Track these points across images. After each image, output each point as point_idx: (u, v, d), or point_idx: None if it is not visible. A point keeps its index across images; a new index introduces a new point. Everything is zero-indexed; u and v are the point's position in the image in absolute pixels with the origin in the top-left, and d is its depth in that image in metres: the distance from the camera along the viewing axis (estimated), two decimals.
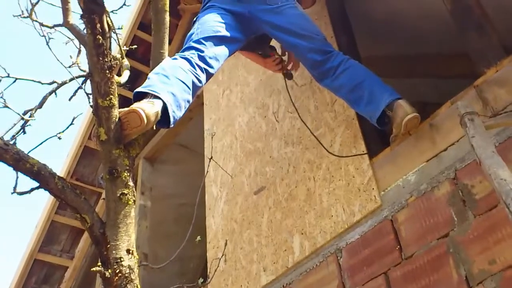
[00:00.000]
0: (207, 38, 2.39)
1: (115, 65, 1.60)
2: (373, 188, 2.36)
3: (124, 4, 2.17)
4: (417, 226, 2.10)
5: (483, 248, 1.81)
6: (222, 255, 2.99)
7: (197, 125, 4.52)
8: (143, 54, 4.87)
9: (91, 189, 5.49)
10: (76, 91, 2.17)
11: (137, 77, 4.58)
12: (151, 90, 1.93)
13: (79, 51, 2.18)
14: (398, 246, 2.13)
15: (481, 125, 1.77)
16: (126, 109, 1.72)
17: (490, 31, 2.30)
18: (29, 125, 2.26)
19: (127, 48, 2.50)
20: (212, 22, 2.49)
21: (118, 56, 1.99)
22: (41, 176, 1.54)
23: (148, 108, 1.80)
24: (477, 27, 2.33)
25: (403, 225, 2.16)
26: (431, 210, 2.07)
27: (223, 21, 2.51)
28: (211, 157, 3.08)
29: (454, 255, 1.90)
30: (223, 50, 2.43)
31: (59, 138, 2.10)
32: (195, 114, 4.68)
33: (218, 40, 2.42)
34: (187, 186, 5.23)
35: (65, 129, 2.07)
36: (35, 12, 2.22)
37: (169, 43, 5.15)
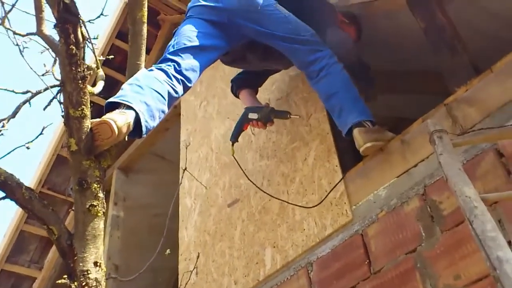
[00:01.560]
0: (183, 50, 2.37)
1: (88, 75, 1.59)
2: (345, 203, 2.38)
3: (102, 14, 2.17)
4: (387, 241, 2.12)
5: (449, 263, 1.84)
6: (194, 267, 2.98)
7: (173, 135, 4.51)
8: (120, 63, 4.85)
9: (63, 199, 5.42)
10: (50, 101, 2.16)
11: (114, 86, 4.54)
12: (123, 100, 1.92)
13: (55, 61, 2.17)
14: (368, 261, 2.15)
15: (449, 142, 1.80)
16: (97, 120, 1.71)
17: (461, 50, 2.35)
18: (2, 134, 2.24)
19: (103, 58, 2.48)
20: (189, 33, 2.47)
21: (93, 66, 1.98)
22: (8, 186, 1.52)
23: (120, 119, 1.79)
24: (449, 47, 2.39)
25: (373, 240, 2.18)
26: (400, 225, 2.10)
27: (200, 30, 2.49)
28: (185, 168, 3.07)
29: (421, 270, 1.93)
30: (200, 60, 2.41)
31: (28, 148, 2.08)
32: (171, 124, 4.67)
33: (195, 50, 2.41)
34: (162, 196, 5.19)
35: (34, 139, 2.05)
36: (8, 20, 2.20)
37: (148, 53, 5.19)
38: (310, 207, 2.48)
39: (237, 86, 3.05)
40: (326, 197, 2.42)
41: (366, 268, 2.14)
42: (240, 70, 3.12)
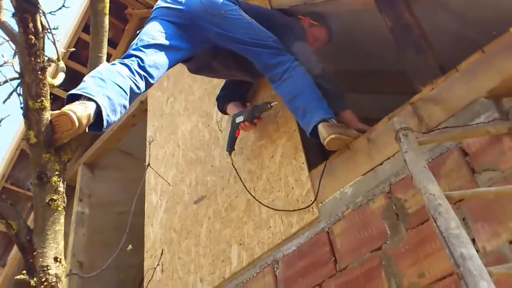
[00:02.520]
0: (147, 46, 2.35)
1: (48, 66, 1.54)
2: (311, 200, 2.38)
3: (63, 6, 2.11)
4: (352, 239, 2.12)
5: (414, 261, 1.85)
6: (157, 264, 2.94)
7: (140, 131, 4.44)
8: (86, 57, 4.74)
9: (27, 194, 5.29)
10: (10, 94, 2.09)
11: (79, 80, 4.44)
12: (85, 92, 1.87)
13: (15, 53, 2.10)
14: (333, 258, 2.14)
15: (415, 140, 1.81)
16: (57, 111, 1.66)
17: (427, 50, 2.36)
18: None
19: (65, 50, 2.42)
20: (153, 32, 2.46)
21: (54, 58, 1.92)
22: None
23: (80, 111, 1.74)
24: (415, 46, 2.40)
25: (338, 237, 2.18)
26: (366, 223, 2.10)
27: (164, 31, 2.49)
28: (148, 164, 3.03)
29: (386, 268, 1.93)
30: (163, 59, 2.39)
31: None
32: (138, 120, 4.61)
33: (158, 48, 2.39)
34: (128, 193, 5.08)
35: None
36: None
37: (115, 47, 5.11)
38: (293, 211, 2.42)
39: (222, 103, 3.05)
40: (313, 202, 2.36)
41: (332, 265, 2.13)
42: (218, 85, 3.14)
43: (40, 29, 1.51)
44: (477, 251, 1.61)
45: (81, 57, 4.75)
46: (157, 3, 2.68)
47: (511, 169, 1.72)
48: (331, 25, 3.09)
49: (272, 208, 2.50)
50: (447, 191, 1.68)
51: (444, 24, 2.97)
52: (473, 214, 1.75)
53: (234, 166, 2.76)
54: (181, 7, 2.60)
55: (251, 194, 2.64)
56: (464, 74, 2.04)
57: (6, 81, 2.09)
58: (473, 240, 1.69)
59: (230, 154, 2.80)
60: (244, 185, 2.68)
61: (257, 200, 2.58)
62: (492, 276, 1.24)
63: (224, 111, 3.07)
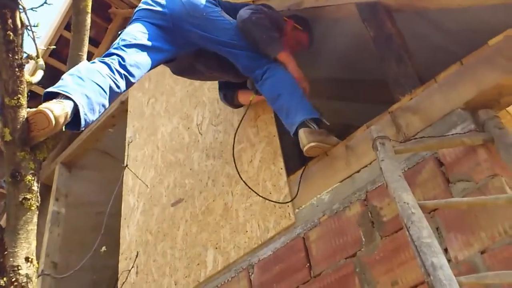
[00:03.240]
0: (129, 46, 2.34)
1: (26, 63, 1.53)
2: (288, 205, 2.38)
3: (46, 2, 2.08)
4: (328, 245, 2.13)
5: (387, 269, 1.86)
6: (132, 267, 2.92)
7: (120, 132, 4.41)
8: (68, 55, 4.70)
9: (1, 192, 5.21)
10: None
11: (60, 78, 4.40)
12: (63, 91, 1.85)
13: None
14: (308, 264, 2.15)
15: (391, 149, 1.83)
16: (33, 109, 1.64)
17: (407, 60, 2.39)
18: None
19: (45, 48, 2.39)
20: (135, 32, 2.45)
21: (34, 55, 1.90)
22: None
23: (57, 109, 1.73)
24: (396, 56, 2.42)
25: (314, 243, 2.19)
26: (342, 230, 2.11)
27: (147, 31, 2.48)
28: (126, 165, 3.01)
29: (360, 275, 1.94)
30: (145, 59, 2.38)
31: None
32: (118, 120, 4.57)
33: (140, 48, 2.38)
34: (106, 194, 5.04)
35: None
36: None
37: (97, 46, 5.07)
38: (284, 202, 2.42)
39: (231, 97, 2.97)
40: (290, 201, 2.37)
41: (307, 271, 2.14)
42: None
43: (19, 25, 1.50)
44: (449, 260, 1.64)
45: (62, 55, 4.70)
46: (139, 5, 2.68)
47: (485, 180, 1.74)
48: (313, 31, 3.10)
49: (266, 199, 2.46)
50: (422, 200, 1.71)
51: (425, 34, 3.00)
52: (447, 223, 1.76)
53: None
54: (163, 10, 2.60)
55: (245, 182, 2.59)
56: (443, 85, 2.07)
57: None
58: (446, 250, 1.71)
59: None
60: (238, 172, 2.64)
61: (248, 187, 2.56)
62: (462, 286, 1.26)
63: (237, 104, 2.99)
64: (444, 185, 1.85)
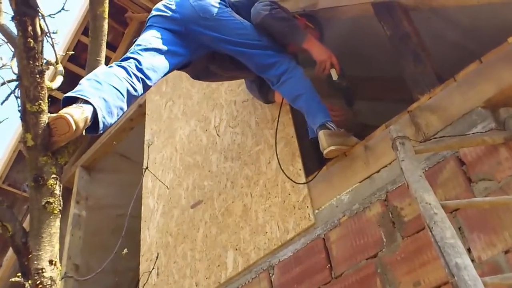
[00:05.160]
0: (145, 50, 2.36)
1: (46, 70, 1.54)
2: (307, 206, 2.38)
3: (63, 9, 2.11)
4: (348, 246, 2.12)
5: (409, 269, 1.85)
6: (153, 268, 2.93)
7: (138, 135, 4.45)
8: (86, 60, 4.75)
9: (24, 196, 5.28)
10: (8, 96, 2.08)
11: (78, 83, 4.45)
12: (81, 95, 1.87)
13: (14, 55, 2.10)
14: (329, 265, 2.14)
15: (411, 149, 1.82)
16: (54, 115, 1.66)
17: (425, 59, 2.37)
18: None
19: (63, 54, 2.42)
20: (150, 38, 2.47)
21: (53, 60, 1.93)
22: None
23: (77, 114, 1.74)
24: (413, 55, 2.40)
25: (334, 244, 2.18)
26: (362, 230, 2.10)
27: (160, 36, 2.50)
28: (147, 167, 3.03)
29: (381, 276, 1.93)
30: (161, 62, 2.40)
31: None
32: (136, 123, 4.61)
33: (156, 52, 2.40)
34: (125, 197, 5.07)
35: None
36: None
37: (114, 50, 5.11)
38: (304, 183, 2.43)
39: (267, 91, 2.92)
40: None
41: (327, 272, 2.13)
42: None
43: (39, 32, 1.52)
44: (473, 260, 1.62)
45: (80, 59, 4.74)
46: (151, 12, 2.71)
47: (507, 179, 1.72)
48: (323, 33, 3.08)
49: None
50: (443, 200, 1.69)
51: (442, 33, 2.97)
52: (469, 223, 1.75)
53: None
54: (174, 14, 2.62)
55: (286, 175, 2.54)
56: (462, 83, 2.05)
57: (3, 83, 2.09)
58: (469, 250, 1.69)
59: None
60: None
61: (288, 176, 2.51)
62: (487, 287, 1.25)
63: (270, 100, 2.95)
64: (465, 185, 1.83)
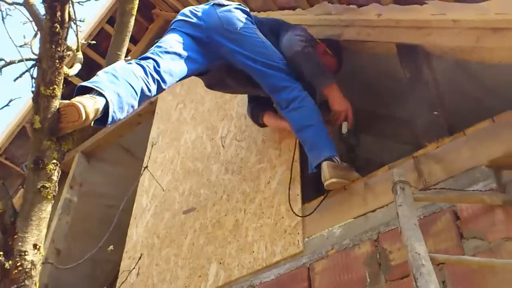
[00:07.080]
0: (165, 52, 2.38)
1: (66, 56, 1.56)
2: (298, 233, 2.38)
3: None
4: (332, 279, 2.12)
5: None
6: (133, 268, 2.92)
7: (144, 131, 4.45)
8: (106, 49, 4.77)
9: (18, 172, 5.28)
10: (23, 73, 2.09)
11: (95, 70, 4.45)
12: (96, 86, 1.89)
13: (36, 34, 2.11)
14: None
15: (411, 196, 1.82)
16: (66, 101, 1.68)
17: (439, 109, 2.38)
18: None
19: (85, 42, 2.44)
20: (171, 41, 2.50)
21: (74, 47, 1.94)
22: None
23: (89, 105, 1.76)
24: (429, 103, 2.42)
25: (318, 275, 2.18)
26: (348, 266, 2.10)
27: (182, 41, 2.52)
28: (146, 166, 3.03)
29: None
30: (179, 67, 2.42)
31: None
32: (144, 119, 4.61)
33: (175, 56, 2.42)
34: (120, 189, 5.08)
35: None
36: None
37: (135, 44, 5.13)
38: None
39: (257, 115, 2.96)
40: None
41: None
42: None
43: (67, 19, 1.54)
44: None
45: (100, 47, 4.76)
46: (177, 16, 2.73)
47: (498, 241, 1.72)
48: (343, 60, 3.09)
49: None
50: (432, 250, 1.69)
51: (461, 84, 2.98)
52: (454, 278, 1.75)
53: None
54: (199, 22, 2.64)
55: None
56: (471, 138, 2.05)
57: (21, 60, 2.10)
58: None
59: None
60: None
61: (291, 206, 2.49)
62: None
63: (261, 123, 2.97)
64: (457, 240, 1.83)
